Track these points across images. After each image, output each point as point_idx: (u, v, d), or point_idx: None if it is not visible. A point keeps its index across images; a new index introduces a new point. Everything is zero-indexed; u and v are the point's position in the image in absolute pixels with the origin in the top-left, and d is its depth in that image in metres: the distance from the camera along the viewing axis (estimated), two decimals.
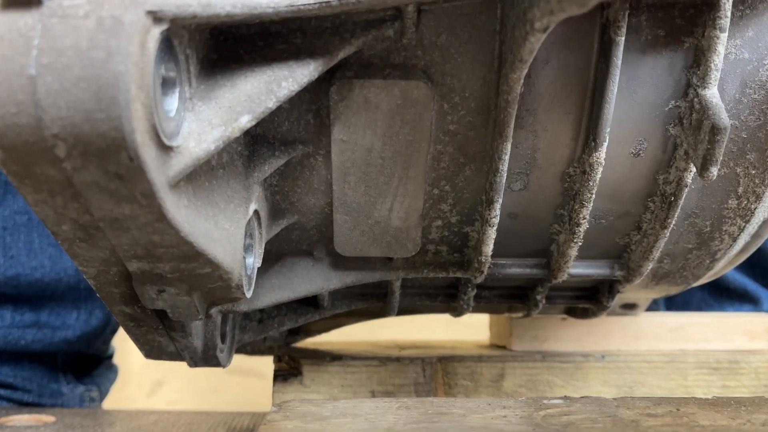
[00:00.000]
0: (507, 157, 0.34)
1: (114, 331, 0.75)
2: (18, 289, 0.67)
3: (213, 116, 0.29)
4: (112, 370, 0.81)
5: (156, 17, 0.24)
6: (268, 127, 0.36)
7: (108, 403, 0.82)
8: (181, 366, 0.44)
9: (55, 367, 0.72)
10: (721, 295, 0.76)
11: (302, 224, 0.40)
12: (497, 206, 0.36)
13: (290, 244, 0.41)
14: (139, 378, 1.08)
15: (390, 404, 0.37)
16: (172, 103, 0.27)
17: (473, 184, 0.38)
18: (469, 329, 0.82)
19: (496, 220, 0.37)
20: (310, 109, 0.35)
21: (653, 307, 0.78)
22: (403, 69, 0.34)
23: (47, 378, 0.71)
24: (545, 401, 0.36)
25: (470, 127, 0.36)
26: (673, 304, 0.78)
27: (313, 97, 0.35)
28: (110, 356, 0.81)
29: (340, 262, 0.42)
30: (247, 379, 1.07)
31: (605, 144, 0.34)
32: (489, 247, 0.39)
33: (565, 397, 0.37)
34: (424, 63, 0.34)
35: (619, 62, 0.33)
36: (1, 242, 0.66)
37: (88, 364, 0.76)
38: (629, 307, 0.57)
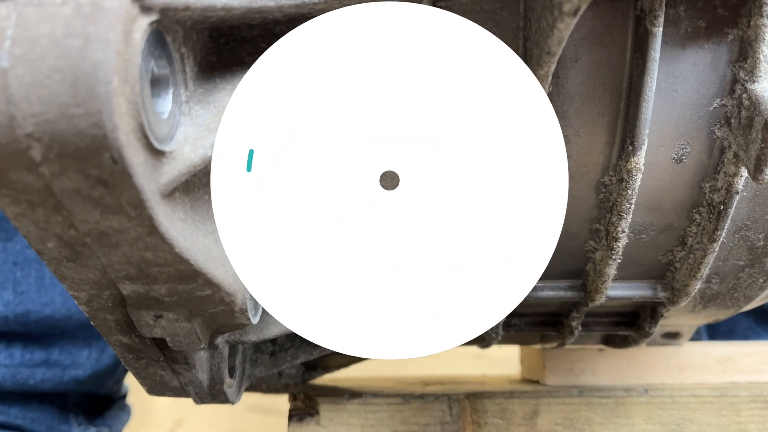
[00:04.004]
0: None
1: (126, 370, 0.72)
2: (28, 326, 0.65)
3: (211, 120, 0.26)
4: (125, 410, 0.78)
5: (144, 6, 0.22)
6: None
7: None
8: (203, 404, 0.41)
9: (65, 407, 0.69)
10: None
11: None
12: None
13: None
14: (158, 418, 1.05)
15: None
16: (165, 104, 0.25)
17: None
18: (499, 364, 0.78)
19: None
20: None
21: (695, 337, 0.73)
22: None
23: (57, 419, 0.68)
24: None
25: None
26: (716, 333, 0.73)
27: None
28: (123, 396, 0.78)
29: None
30: (269, 418, 1.03)
31: (644, 148, 0.31)
32: None
33: None
34: None
35: (657, 56, 0.30)
36: (12, 277, 0.65)
37: (100, 405, 0.74)
38: (672, 336, 0.53)
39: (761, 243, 0.36)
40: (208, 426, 1.06)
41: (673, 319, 0.46)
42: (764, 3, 0.29)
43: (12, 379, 0.65)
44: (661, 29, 0.29)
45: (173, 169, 0.24)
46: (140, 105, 0.22)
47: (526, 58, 0.30)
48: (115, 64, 0.20)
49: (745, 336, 0.71)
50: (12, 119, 0.21)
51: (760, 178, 0.29)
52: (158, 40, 0.24)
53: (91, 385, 0.69)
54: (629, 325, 0.44)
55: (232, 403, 0.40)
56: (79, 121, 0.21)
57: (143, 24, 0.22)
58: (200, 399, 0.39)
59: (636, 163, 0.32)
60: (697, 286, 0.37)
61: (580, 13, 0.24)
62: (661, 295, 0.39)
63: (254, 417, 1.06)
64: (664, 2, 0.29)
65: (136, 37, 0.22)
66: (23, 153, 0.21)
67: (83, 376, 0.68)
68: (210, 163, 0.26)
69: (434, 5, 0.30)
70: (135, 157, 0.22)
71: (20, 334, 0.65)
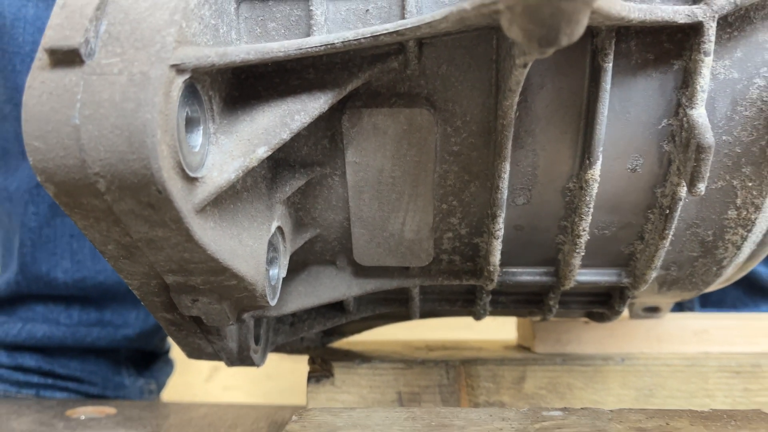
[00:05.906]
0: (506, 176, 0.37)
1: None
2: (84, 290, 0.74)
3: (234, 148, 0.32)
4: (169, 364, 0.87)
5: (179, 69, 0.28)
6: (289, 152, 0.39)
7: (170, 388, 0.88)
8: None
9: (117, 361, 0.78)
10: (756, 293, 0.75)
11: (324, 237, 0.44)
12: (500, 220, 0.39)
13: (315, 254, 0.45)
14: (198, 365, 1.14)
15: (399, 414, 0.39)
16: (197, 139, 0.31)
17: (479, 199, 0.41)
18: (506, 326, 0.84)
19: (501, 233, 0.40)
20: (326, 135, 0.39)
21: (688, 305, 0.78)
22: (408, 98, 0.37)
23: (111, 372, 0.78)
24: (544, 413, 0.38)
25: (473, 148, 0.38)
26: (708, 302, 0.78)
27: (328, 124, 0.38)
28: (167, 352, 0.87)
29: (360, 270, 0.46)
30: (298, 365, 1.12)
31: (599, 162, 0.37)
32: (496, 257, 0.41)
33: (565, 409, 0.39)
34: (427, 91, 0.37)
35: (608, 87, 0.35)
36: (69, 248, 0.73)
37: (148, 359, 0.83)
38: (652, 311, 0.58)
39: (710, 238, 0.42)
40: (241, 372, 1.16)
41: (645, 297, 0.51)
42: (702, 41, 0.34)
43: (72, 337, 0.74)
44: (611, 65, 0.34)
45: (204, 191, 0.31)
46: (177, 147, 0.28)
47: (498, 87, 0.36)
48: (159, 121, 0.27)
49: (734, 305, 0.76)
50: (83, 162, 0.27)
51: (693, 191, 0.34)
52: (191, 90, 0.30)
53: (140, 342, 0.78)
54: (603, 304, 0.50)
55: (258, 365, 0.48)
56: (133, 164, 0.27)
57: (179, 83, 0.28)
58: (231, 363, 0.46)
59: (593, 174, 0.37)
60: (654, 274, 0.42)
61: (528, 66, 0.29)
62: (625, 281, 0.44)
63: (284, 364, 1.14)
64: (613, 41, 0.34)
65: (174, 95, 0.28)
66: (92, 185, 0.28)
67: (133, 334, 0.76)
68: (233, 183, 0.33)
69: (420, 44, 0.35)
70: (174, 187, 0.28)
71: (78, 298, 0.74)
